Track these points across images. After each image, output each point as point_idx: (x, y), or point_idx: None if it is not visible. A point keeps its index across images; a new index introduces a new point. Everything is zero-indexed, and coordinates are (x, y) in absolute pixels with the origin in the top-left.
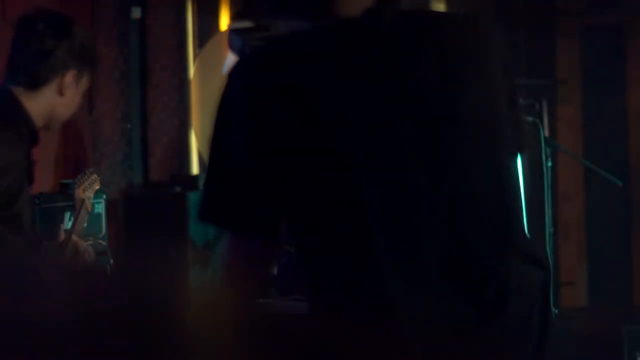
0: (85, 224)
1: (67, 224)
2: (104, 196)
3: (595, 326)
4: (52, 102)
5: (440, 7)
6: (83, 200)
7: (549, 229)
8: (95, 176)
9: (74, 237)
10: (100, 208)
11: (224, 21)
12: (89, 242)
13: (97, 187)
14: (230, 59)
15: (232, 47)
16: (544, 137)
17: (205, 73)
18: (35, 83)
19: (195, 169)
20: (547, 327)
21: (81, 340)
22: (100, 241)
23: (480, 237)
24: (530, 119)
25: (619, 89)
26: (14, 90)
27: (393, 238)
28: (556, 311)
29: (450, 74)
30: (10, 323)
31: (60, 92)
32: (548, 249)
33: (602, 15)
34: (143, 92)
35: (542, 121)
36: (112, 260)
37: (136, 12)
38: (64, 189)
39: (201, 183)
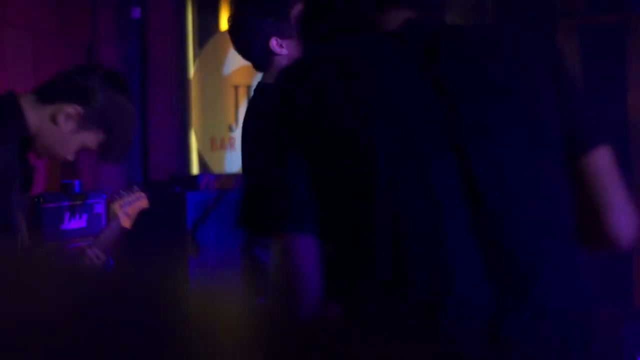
0: (111, 240)
1: (67, 224)
2: (104, 196)
3: (595, 326)
4: (43, 124)
5: None
6: (116, 215)
7: None
8: (139, 194)
9: (91, 251)
10: (100, 208)
11: (224, 21)
12: (89, 242)
13: (142, 206)
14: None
15: None
16: None
17: (205, 73)
18: (44, 96)
19: (195, 169)
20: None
21: (80, 341)
22: None
23: (528, 237)
24: None
25: (618, 88)
26: (20, 94)
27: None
28: None
29: (495, 85)
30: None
31: (53, 119)
32: None
33: (602, 15)
34: (143, 92)
35: None
36: (112, 261)
37: (136, 12)
38: (64, 189)
39: (203, 184)
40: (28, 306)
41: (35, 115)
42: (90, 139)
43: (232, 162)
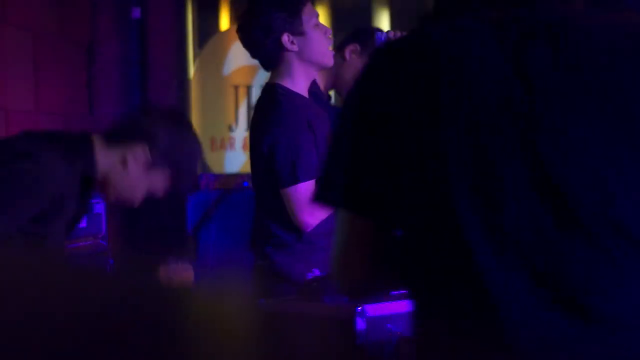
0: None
1: None
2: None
3: None
4: (114, 167)
5: None
6: (163, 277)
7: None
8: (187, 267)
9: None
10: (100, 208)
11: (224, 21)
12: (88, 242)
13: (185, 279)
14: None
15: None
16: None
17: (205, 73)
18: (110, 139)
19: None
20: None
21: (80, 341)
22: (100, 241)
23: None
24: None
25: None
26: (94, 135)
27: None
28: None
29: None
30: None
31: (123, 162)
32: None
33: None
34: (143, 92)
35: None
36: (112, 260)
37: (136, 12)
38: None
39: (203, 184)
40: (28, 305)
41: (105, 158)
42: (159, 179)
43: (232, 162)
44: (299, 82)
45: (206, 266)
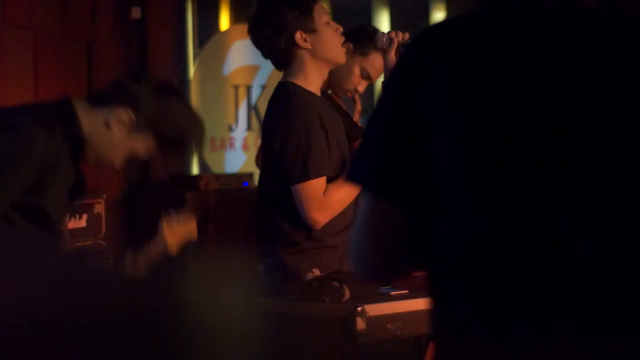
0: (154, 258)
1: (67, 224)
2: (104, 196)
3: None
4: (97, 128)
5: (440, 8)
6: (164, 237)
7: None
8: (190, 219)
9: (135, 258)
10: (100, 208)
11: (224, 21)
12: (88, 242)
13: (190, 234)
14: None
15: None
16: None
17: (205, 73)
18: (95, 100)
19: (195, 169)
20: None
21: (80, 339)
22: (100, 241)
23: None
24: None
25: None
26: (74, 98)
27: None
28: None
29: None
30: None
31: (107, 123)
32: None
33: None
34: None
35: None
36: (112, 260)
37: (136, 12)
38: None
39: (202, 183)
40: (28, 303)
41: (88, 119)
42: (141, 145)
43: (232, 162)
44: (312, 80)
45: (206, 266)
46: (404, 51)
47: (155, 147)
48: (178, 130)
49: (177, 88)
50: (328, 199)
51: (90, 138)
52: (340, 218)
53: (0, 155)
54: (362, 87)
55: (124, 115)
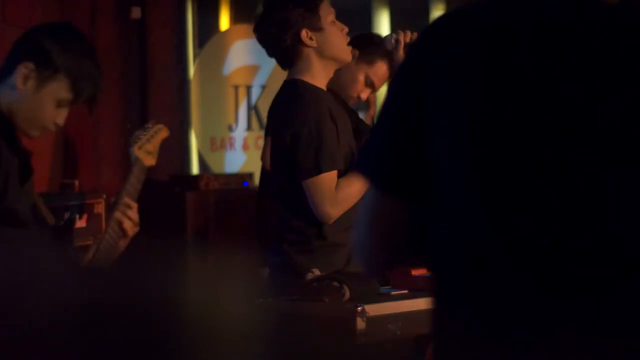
0: (139, 187)
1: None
2: (104, 196)
3: None
4: (9, 95)
5: (440, 8)
6: (137, 159)
7: None
8: (157, 127)
9: (124, 199)
10: (100, 208)
11: (224, 21)
12: (88, 242)
13: (163, 137)
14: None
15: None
16: None
17: (205, 73)
18: (1, 71)
19: (195, 169)
20: None
21: (80, 339)
22: None
23: None
24: None
25: None
26: None
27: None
28: None
29: None
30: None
31: (13, 87)
32: None
33: None
34: (143, 92)
35: None
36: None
37: (136, 12)
38: (64, 189)
39: (202, 183)
40: (27, 303)
41: (3, 98)
42: (58, 89)
43: (232, 162)
44: (319, 77)
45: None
46: (408, 49)
47: (73, 88)
48: (83, 64)
49: (66, 24)
50: (340, 194)
51: (9, 110)
52: (348, 215)
53: None
54: (365, 94)
55: (25, 70)
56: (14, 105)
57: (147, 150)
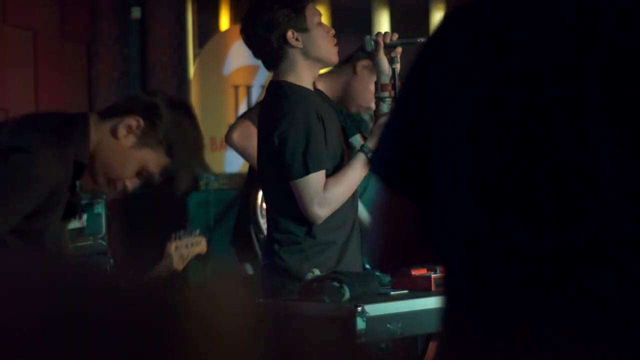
0: (160, 276)
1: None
2: (104, 196)
3: None
4: (104, 139)
5: (440, 8)
6: (170, 256)
7: None
8: (199, 239)
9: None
10: (100, 208)
11: (224, 21)
12: (88, 242)
13: (200, 251)
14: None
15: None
16: None
17: (205, 73)
18: (106, 112)
19: None
20: None
21: (79, 340)
22: (100, 241)
23: None
24: None
25: None
26: (91, 113)
27: None
28: None
29: None
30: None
31: (114, 132)
32: None
33: None
34: (143, 92)
35: None
36: (112, 260)
37: (136, 12)
38: None
39: (202, 183)
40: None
41: (96, 133)
42: (152, 158)
43: (232, 162)
44: (304, 78)
45: (207, 267)
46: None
47: (166, 164)
48: (189, 150)
49: (187, 104)
50: (328, 194)
51: (96, 150)
52: (338, 213)
53: (8, 179)
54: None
55: (133, 122)
56: (103, 149)
57: (181, 254)
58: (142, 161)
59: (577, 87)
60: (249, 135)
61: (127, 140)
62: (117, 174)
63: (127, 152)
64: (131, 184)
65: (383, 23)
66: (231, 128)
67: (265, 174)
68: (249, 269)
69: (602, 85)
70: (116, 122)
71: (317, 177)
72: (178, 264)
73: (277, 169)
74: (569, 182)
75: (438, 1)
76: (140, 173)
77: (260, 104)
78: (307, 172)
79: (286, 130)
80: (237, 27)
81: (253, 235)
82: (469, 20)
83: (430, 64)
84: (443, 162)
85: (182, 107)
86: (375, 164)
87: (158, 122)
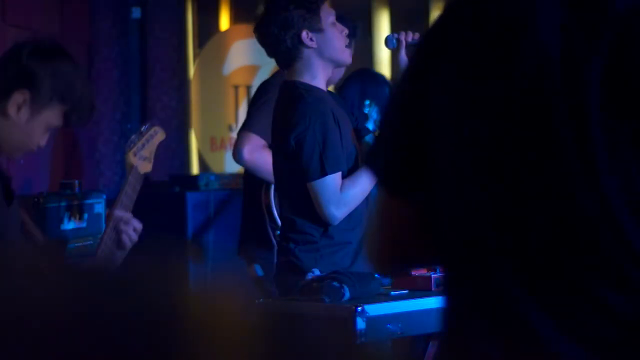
0: (135, 196)
1: (67, 224)
2: (104, 196)
3: None
4: (2, 125)
5: (440, 8)
6: (132, 166)
7: None
8: (152, 130)
9: (117, 213)
10: (100, 208)
11: (224, 21)
12: (88, 242)
13: (159, 140)
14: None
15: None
16: None
17: (205, 73)
18: None
19: (195, 169)
20: None
21: (79, 342)
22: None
23: None
24: None
25: None
26: None
27: None
28: None
29: None
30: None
31: (4, 114)
32: None
33: None
34: (143, 92)
35: None
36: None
37: (136, 12)
38: (64, 189)
39: (202, 183)
40: (26, 306)
41: None
42: (51, 115)
43: (232, 162)
44: (318, 78)
45: (207, 267)
46: (413, 51)
47: (67, 115)
48: (77, 84)
49: (54, 44)
50: (345, 195)
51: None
52: (354, 214)
53: None
54: None
55: (19, 98)
56: (3, 132)
57: (142, 156)
58: (44, 123)
59: (578, 84)
60: (260, 150)
61: (22, 116)
62: (28, 146)
63: (27, 126)
64: (43, 140)
65: (383, 23)
66: (238, 144)
67: (281, 174)
68: (258, 270)
69: (603, 84)
70: (3, 105)
71: (334, 179)
72: (145, 167)
73: (293, 170)
74: (572, 182)
75: (438, 1)
76: (46, 130)
77: (257, 105)
78: (325, 173)
79: (303, 132)
80: (237, 27)
81: (270, 231)
82: (469, 16)
83: (430, 65)
84: (442, 160)
85: (52, 52)
86: (371, 162)
87: (40, 85)
